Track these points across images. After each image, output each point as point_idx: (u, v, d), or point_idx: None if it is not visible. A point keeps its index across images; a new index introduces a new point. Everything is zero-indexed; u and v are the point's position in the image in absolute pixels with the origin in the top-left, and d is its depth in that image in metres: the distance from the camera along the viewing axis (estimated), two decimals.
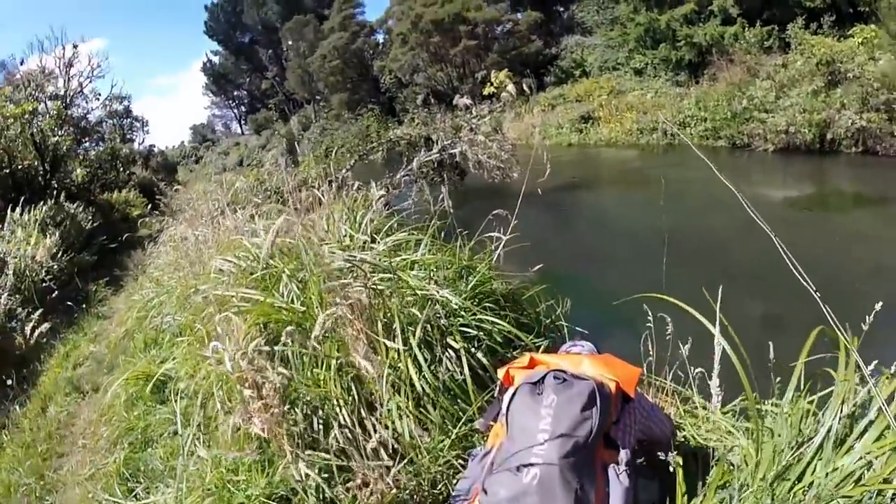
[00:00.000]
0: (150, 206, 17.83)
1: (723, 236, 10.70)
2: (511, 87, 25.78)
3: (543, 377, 2.27)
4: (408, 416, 3.17)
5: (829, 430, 2.39)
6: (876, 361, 2.56)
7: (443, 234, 5.11)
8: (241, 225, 5.94)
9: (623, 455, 2.23)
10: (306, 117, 42.84)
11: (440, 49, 30.25)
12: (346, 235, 4.70)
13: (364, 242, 4.38)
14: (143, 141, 30.22)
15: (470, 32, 29.38)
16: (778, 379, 3.05)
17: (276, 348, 3.24)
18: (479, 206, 5.09)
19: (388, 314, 3.41)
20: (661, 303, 3.45)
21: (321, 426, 3.17)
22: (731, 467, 2.73)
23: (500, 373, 2.51)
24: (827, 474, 2.28)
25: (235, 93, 64.33)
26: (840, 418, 2.41)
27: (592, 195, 15.48)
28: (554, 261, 9.23)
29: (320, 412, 3.21)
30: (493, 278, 4.36)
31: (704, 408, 3.45)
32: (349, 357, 3.29)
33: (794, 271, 2.32)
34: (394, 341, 3.26)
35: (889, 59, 17.24)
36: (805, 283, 2.25)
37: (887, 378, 2.48)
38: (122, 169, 21.03)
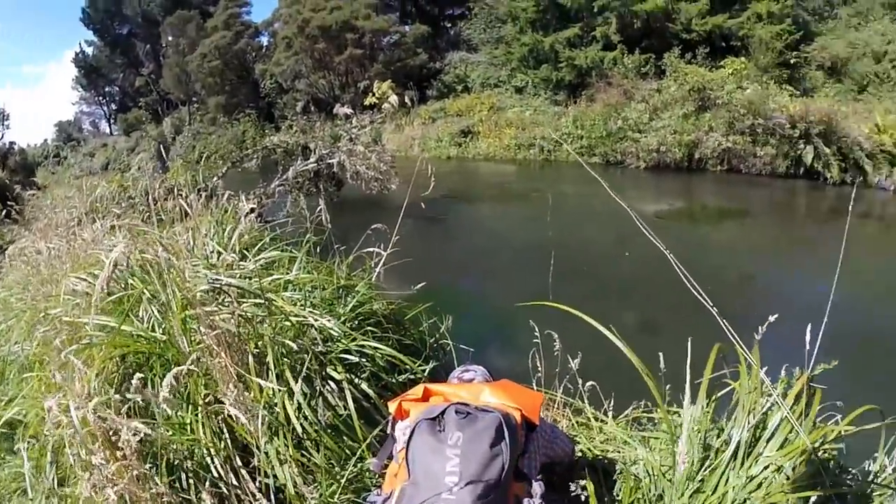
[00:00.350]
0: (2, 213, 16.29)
1: (600, 249, 11.04)
2: (393, 99, 25.59)
3: (443, 412, 2.07)
4: (289, 462, 2.79)
5: (739, 440, 2.42)
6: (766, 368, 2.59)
7: (318, 249, 4.84)
8: (100, 237, 5.37)
9: (537, 487, 2.10)
10: (180, 119, 40.40)
11: (325, 56, 29.58)
12: (213, 252, 4.32)
13: (233, 261, 3.97)
14: (1, 136, 27.72)
15: (357, 41, 28.88)
16: (668, 385, 3.03)
17: (129, 395, 2.72)
18: (356, 219, 4.82)
19: (260, 344, 3.05)
20: (546, 317, 3.39)
21: (191, 481, 2.75)
22: (638, 481, 2.68)
23: (392, 406, 2.30)
24: (744, 483, 2.32)
25: (107, 88, 59.39)
26: (748, 427, 2.44)
27: (473, 208, 15.54)
28: (436, 276, 9.08)
29: (188, 464, 2.78)
30: (374, 298, 4.09)
31: (597, 419, 3.40)
32: (218, 393, 2.87)
33: (691, 288, 2.33)
34: (267, 376, 2.90)
35: (755, 88, 19.20)
36: (702, 299, 2.25)
37: (783, 383, 2.60)
38: None
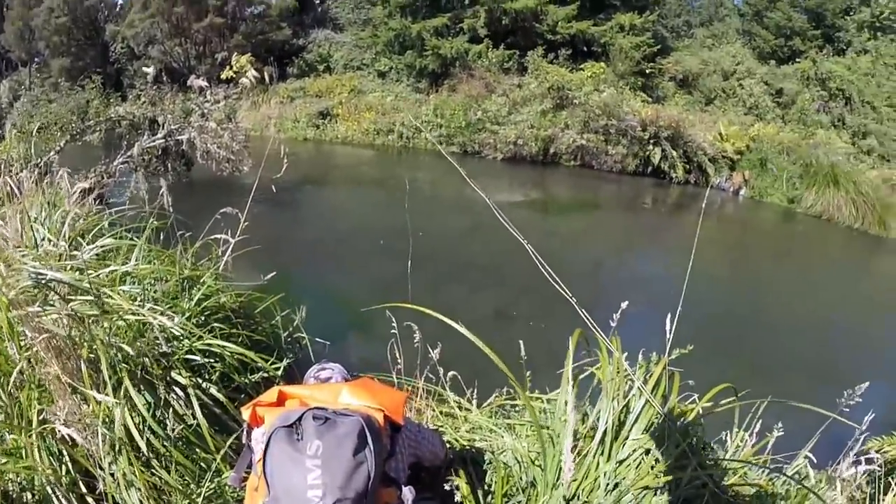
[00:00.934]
0: None
1: (456, 236, 11.27)
2: (252, 74, 24.82)
3: (300, 417, 1.88)
4: (136, 485, 2.53)
5: (606, 426, 2.49)
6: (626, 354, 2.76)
7: (162, 236, 4.55)
8: None
9: (407, 493, 2.01)
10: (19, 83, 36.89)
11: (183, 21, 27.47)
12: (43, 240, 3.98)
13: (64, 250, 3.61)
14: None
15: (219, 9, 27.03)
16: (528, 373, 3.16)
17: None
18: (205, 202, 4.58)
19: (95, 348, 2.71)
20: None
21: None
22: (508, 469, 2.70)
23: (246, 412, 2.06)
24: (615, 468, 2.40)
25: None
26: (612, 413, 2.51)
27: (329, 193, 15.33)
28: (289, 264, 8.95)
29: (27, 496, 2.50)
30: (221, 290, 3.90)
31: (461, 408, 3.42)
32: (54, 408, 2.57)
33: (549, 277, 2.36)
34: (103, 386, 2.60)
35: (611, 92, 20.54)
36: (561, 289, 2.31)
37: (642, 369, 2.74)
38: None
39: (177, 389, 2.85)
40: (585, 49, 24.51)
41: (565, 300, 2.24)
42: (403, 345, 3.64)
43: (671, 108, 22.19)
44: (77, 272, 3.22)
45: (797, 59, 25.45)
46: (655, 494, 2.30)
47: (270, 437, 1.88)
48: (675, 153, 19.33)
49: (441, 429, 3.23)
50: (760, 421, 3.04)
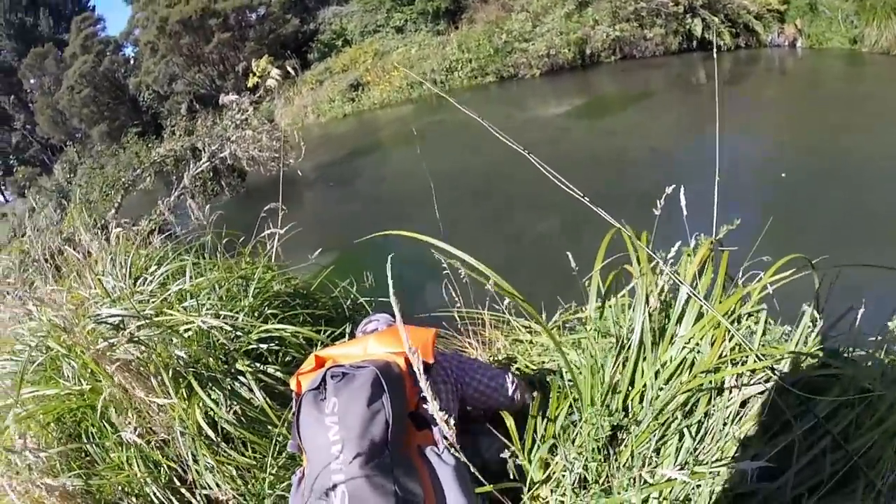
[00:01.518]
0: None
1: (503, 167, 11.05)
2: (275, 73, 25.02)
3: (323, 378, 1.94)
4: (215, 470, 2.77)
5: (641, 329, 2.29)
6: (679, 244, 2.48)
7: (221, 246, 4.83)
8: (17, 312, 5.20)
9: (437, 433, 1.96)
10: (70, 162, 38.38)
11: (194, 49, 28.11)
12: (113, 287, 4.22)
13: (130, 289, 3.89)
14: None
15: (222, 25, 27.45)
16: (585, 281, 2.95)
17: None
18: (265, 202, 4.77)
19: (162, 364, 2.94)
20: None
21: None
22: (561, 389, 2.58)
23: (293, 383, 2.13)
24: (656, 373, 2.22)
25: None
26: (648, 313, 2.31)
27: (373, 160, 15.34)
28: (344, 237, 9.09)
29: (130, 500, 2.79)
30: (274, 279, 4.07)
31: (530, 330, 3.42)
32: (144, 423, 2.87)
33: (556, 181, 2.19)
34: (176, 392, 2.83)
35: None
36: (571, 191, 2.13)
37: (688, 255, 2.46)
38: None
39: (242, 378, 3.01)
40: None
41: (622, 206, 2.16)
42: (457, 285, 3.60)
43: None
44: (142, 304, 3.48)
45: None
46: (712, 396, 2.11)
47: (301, 401, 1.94)
48: (716, 19, 17.88)
49: (513, 357, 3.21)
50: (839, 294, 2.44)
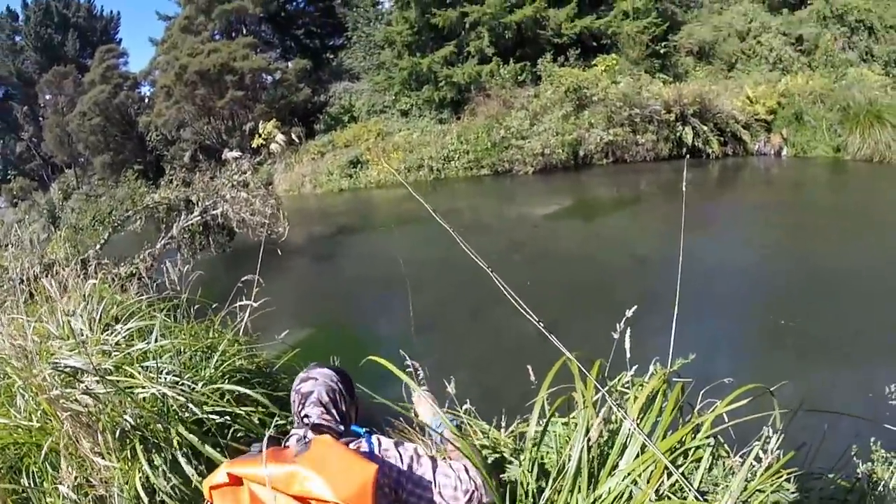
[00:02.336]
0: None
1: (487, 261, 11.18)
2: (280, 138, 25.61)
3: None
4: None
5: (578, 460, 2.22)
6: (631, 371, 2.53)
7: (193, 309, 4.93)
8: None
9: None
10: (67, 184, 38.53)
11: (207, 101, 28.66)
12: (80, 331, 4.31)
13: (97, 337, 3.99)
14: None
15: (237, 83, 28.22)
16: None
17: None
18: (247, 268, 4.87)
19: (110, 423, 3.02)
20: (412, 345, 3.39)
21: None
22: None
23: (205, 490, 1.81)
24: (595, 501, 2.17)
25: None
26: (587, 444, 2.25)
27: (363, 238, 15.36)
28: (321, 316, 9.25)
29: None
30: (237, 354, 4.14)
31: (485, 434, 3.48)
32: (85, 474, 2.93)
33: (515, 303, 2.45)
34: (115, 453, 2.89)
35: (628, 80, 20.50)
36: (527, 314, 2.40)
37: (639, 385, 2.48)
38: None
39: (184, 450, 3.06)
40: (594, 44, 24.33)
41: (605, 321, 2.24)
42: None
43: (693, 82, 21.67)
44: (104, 355, 3.59)
45: (809, 2, 24.34)
46: None
47: None
48: (705, 128, 19.04)
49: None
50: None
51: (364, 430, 2.13)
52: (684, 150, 19.12)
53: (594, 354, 2.53)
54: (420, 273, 10.48)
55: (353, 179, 23.46)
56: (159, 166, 31.18)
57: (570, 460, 2.29)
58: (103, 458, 2.91)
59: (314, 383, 2.14)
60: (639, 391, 2.44)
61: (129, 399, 3.10)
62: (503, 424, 3.39)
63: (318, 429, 2.01)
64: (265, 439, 1.74)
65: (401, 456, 1.97)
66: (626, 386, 2.60)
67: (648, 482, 2.11)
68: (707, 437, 2.25)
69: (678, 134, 19.28)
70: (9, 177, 50.22)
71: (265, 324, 4.70)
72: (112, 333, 4.12)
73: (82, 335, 4.09)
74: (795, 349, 6.31)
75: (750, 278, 8.68)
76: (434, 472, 1.99)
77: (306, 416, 2.08)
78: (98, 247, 9.90)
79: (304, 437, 1.88)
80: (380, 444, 1.99)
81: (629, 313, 2.53)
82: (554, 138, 19.94)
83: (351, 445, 1.90)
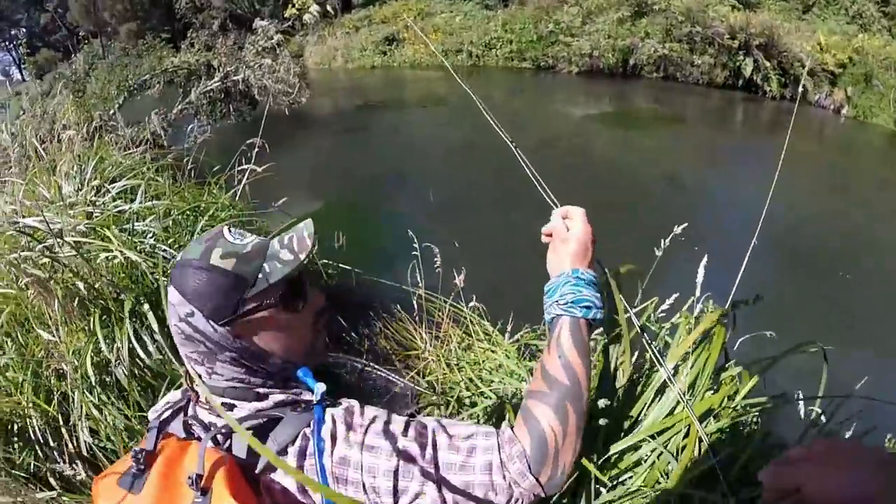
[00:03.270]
0: None
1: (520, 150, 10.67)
2: (314, 8, 24.63)
3: None
4: (110, 411, 2.46)
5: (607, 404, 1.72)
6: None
7: (194, 171, 4.66)
8: None
9: None
10: (93, 54, 37.72)
11: None
12: (69, 193, 3.96)
13: (84, 199, 3.64)
14: None
15: None
16: None
17: None
18: (268, 137, 4.50)
19: (67, 289, 2.66)
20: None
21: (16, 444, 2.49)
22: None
23: None
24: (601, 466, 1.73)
25: (13, 31, 52.94)
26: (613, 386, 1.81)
27: (386, 116, 14.78)
28: (333, 192, 8.84)
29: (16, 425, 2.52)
30: (227, 220, 3.79)
31: (488, 337, 3.17)
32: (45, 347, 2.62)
33: (541, 190, 1.73)
34: (72, 325, 2.58)
35: None
36: (549, 200, 1.74)
37: (684, 318, 1.97)
38: None
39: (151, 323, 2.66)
40: None
41: (644, 215, 1.79)
42: (435, 269, 3.37)
43: (764, 14, 19.46)
44: (86, 217, 3.27)
45: None
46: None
47: None
48: (768, 64, 17.31)
49: (459, 365, 2.95)
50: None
51: (318, 389, 1.13)
52: (741, 81, 17.68)
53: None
54: (445, 157, 10.04)
55: (386, 57, 22.62)
56: (187, 35, 30.34)
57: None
58: (57, 328, 2.55)
59: (173, 294, 1.12)
60: (685, 327, 1.97)
61: (90, 264, 2.72)
62: (508, 329, 2.99)
63: (229, 395, 1.16)
64: (154, 426, 1.13)
65: (379, 475, 1.05)
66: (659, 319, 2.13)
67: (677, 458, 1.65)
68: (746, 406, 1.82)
69: (738, 64, 17.67)
70: (37, 48, 49.77)
71: (273, 194, 4.34)
72: (103, 195, 3.81)
73: (70, 197, 3.76)
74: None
75: (793, 230, 7.58)
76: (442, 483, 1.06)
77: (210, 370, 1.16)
78: (112, 112, 9.49)
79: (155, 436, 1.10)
80: (333, 442, 1.06)
81: (678, 229, 2.09)
82: (605, 41, 18.71)
83: (296, 435, 1.08)
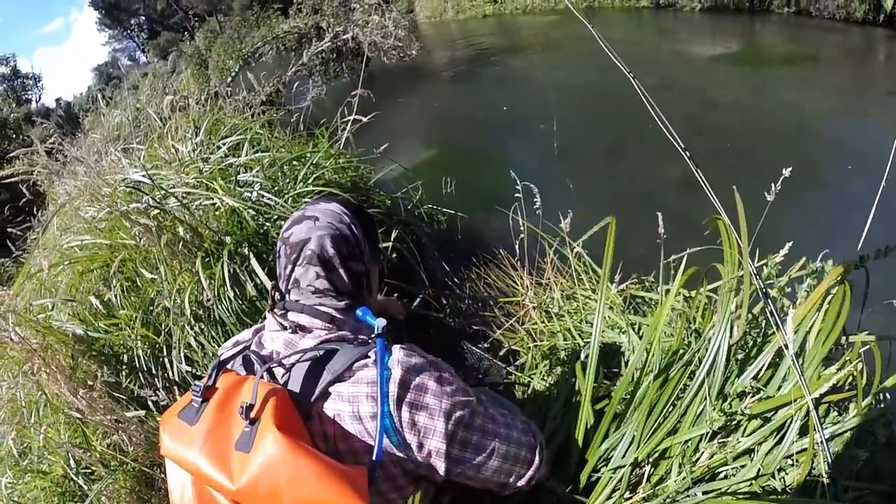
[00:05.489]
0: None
1: (638, 96, 10.21)
2: None
3: None
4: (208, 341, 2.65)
5: (713, 358, 1.51)
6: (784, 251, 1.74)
7: (305, 126, 4.76)
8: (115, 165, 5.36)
9: None
10: (211, 31, 39.51)
11: None
12: (192, 150, 4.13)
13: (196, 156, 3.83)
14: (39, 98, 27.78)
15: None
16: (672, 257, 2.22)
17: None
18: (383, 90, 4.53)
19: (171, 235, 2.79)
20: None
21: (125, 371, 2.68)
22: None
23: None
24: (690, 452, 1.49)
25: (133, 20, 57.38)
26: (723, 331, 1.52)
27: (500, 64, 14.42)
28: (446, 140, 8.77)
29: (124, 357, 2.71)
30: (329, 167, 3.83)
31: (592, 287, 3.01)
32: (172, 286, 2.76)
33: (665, 130, 1.65)
34: (185, 264, 2.71)
35: None
36: (676, 143, 1.62)
37: (811, 272, 1.67)
38: (14, 136, 18.60)
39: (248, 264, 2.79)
40: None
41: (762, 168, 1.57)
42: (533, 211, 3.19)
43: None
44: (198, 172, 3.40)
45: None
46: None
47: None
48: None
49: (560, 314, 2.81)
50: None
51: (380, 323, 1.20)
52: (882, 16, 15.05)
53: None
54: (563, 101, 9.71)
55: (497, 5, 22.12)
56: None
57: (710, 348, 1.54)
58: (163, 270, 2.70)
59: (311, 226, 1.33)
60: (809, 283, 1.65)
61: (191, 213, 2.84)
62: (616, 279, 2.84)
63: (308, 312, 1.29)
64: (215, 364, 1.18)
65: (436, 417, 1.16)
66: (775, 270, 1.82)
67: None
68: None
69: None
70: (158, 32, 52.55)
71: (382, 143, 4.32)
72: (214, 152, 3.96)
73: (185, 157, 3.93)
74: None
75: None
76: (493, 435, 1.25)
77: (295, 282, 1.33)
78: (229, 79, 9.87)
79: (215, 372, 1.16)
80: (396, 374, 1.16)
81: (787, 172, 1.78)
82: None
83: (351, 363, 1.17)
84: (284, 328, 1.26)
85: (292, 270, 1.32)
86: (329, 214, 1.36)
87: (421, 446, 1.15)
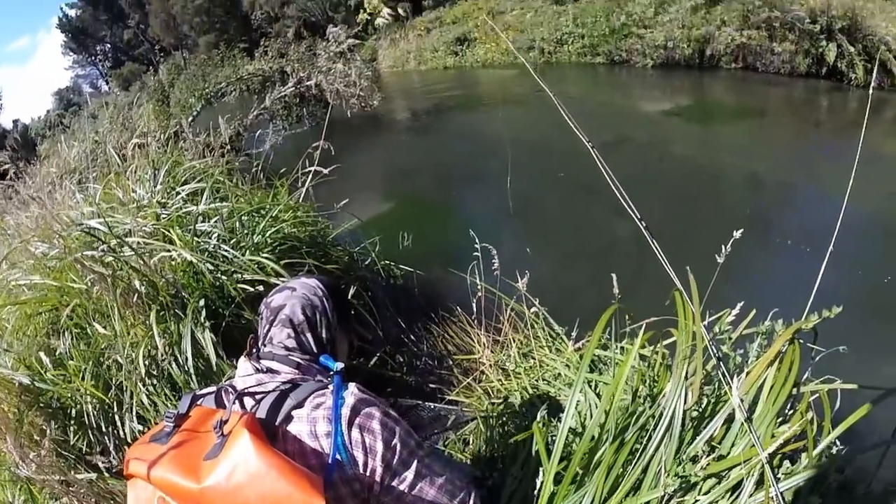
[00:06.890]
0: None
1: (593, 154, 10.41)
2: (386, 12, 24.94)
3: None
4: (161, 400, 2.59)
5: (669, 419, 1.59)
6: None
7: (265, 175, 4.73)
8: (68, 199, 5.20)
9: None
10: (175, 66, 39.63)
11: None
12: (141, 196, 4.08)
13: (152, 202, 3.77)
14: None
15: None
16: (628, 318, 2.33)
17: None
18: (342, 141, 4.52)
19: (124, 286, 2.74)
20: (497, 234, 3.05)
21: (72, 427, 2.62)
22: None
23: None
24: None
25: (98, 47, 57.34)
26: (677, 395, 1.60)
27: (458, 117, 14.75)
28: (403, 193, 8.82)
29: (72, 411, 2.65)
30: (289, 221, 3.79)
31: (551, 344, 3.06)
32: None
33: (620, 198, 1.76)
34: (129, 321, 2.66)
35: None
36: (630, 210, 1.73)
37: (761, 333, 1.76)
38: None
39: (205, 321, 2.76)
40: None
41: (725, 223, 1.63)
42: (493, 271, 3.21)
43: None
44: (155, 218, 3.37)
45: None
46: None
47: None
48: (852, 49, 15.79)
49: (516, 372, 2.86)
50: None
51: (338, 365, 1.48)
52: (824, 69, 16.09)
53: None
54: (517, 156, 9.88)
55: (458, 57, 22.61)
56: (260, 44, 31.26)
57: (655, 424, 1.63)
58: (117, 323, 2.64)
59: (288, 295, 1.61)
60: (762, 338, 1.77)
61: (147, 264, 2.81)
62: (573, 335, 2.90)
63: (278, 359, 1.50)
64: (187, 399, 1.37)
65: (378, 440, 1.36)
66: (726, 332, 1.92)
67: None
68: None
69: (820, 50, 16.18)
70: (122, 62, 52.29)
71: (340, 196, 4.34)
72: (172, 197, 3.95)
73: (142, 200, 3.92)
74: None
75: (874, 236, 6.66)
76: (423, 478, 1.42)
77: (270, 339, 1.57)
78: (190, 119, 9.83)
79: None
80: (349, 401, 1.38)
81: (737, 234, 1.89)
82: (679, 31, 17.92)
83: (312, 392, 1.38)
84: (257, 370, 1.48)
85: (269, 330, 1.58)
86: (305, 287, 1.64)
87: (365, 464, 1.35)
